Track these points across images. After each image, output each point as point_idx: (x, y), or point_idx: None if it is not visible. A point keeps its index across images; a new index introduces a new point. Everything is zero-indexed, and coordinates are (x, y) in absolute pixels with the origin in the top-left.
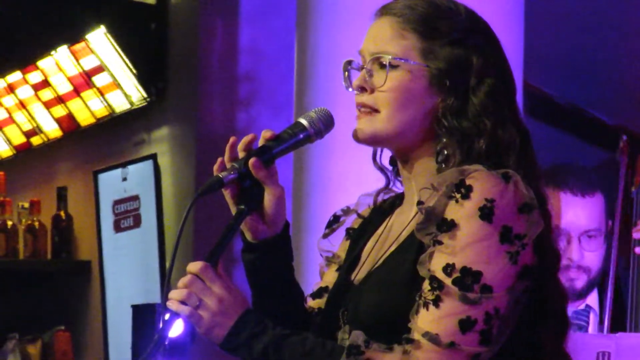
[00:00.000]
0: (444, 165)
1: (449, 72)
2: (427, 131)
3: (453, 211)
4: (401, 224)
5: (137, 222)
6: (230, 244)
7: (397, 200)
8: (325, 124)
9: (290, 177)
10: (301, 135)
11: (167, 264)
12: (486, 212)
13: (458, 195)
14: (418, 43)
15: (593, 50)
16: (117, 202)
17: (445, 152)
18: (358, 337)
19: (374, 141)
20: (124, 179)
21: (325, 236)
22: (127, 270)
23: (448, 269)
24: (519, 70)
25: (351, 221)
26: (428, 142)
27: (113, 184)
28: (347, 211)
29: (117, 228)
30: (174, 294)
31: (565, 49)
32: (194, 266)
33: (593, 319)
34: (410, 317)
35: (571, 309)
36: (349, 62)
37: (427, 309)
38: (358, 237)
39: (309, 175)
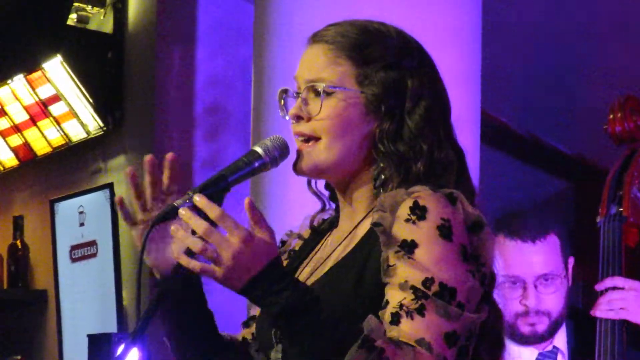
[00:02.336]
0: (382, 190)
1: (385, 97)
2: (365, 157)
3: (412, 232)
4: (336, 244)
5: (93, 252)
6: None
7: (335, 221)
8: (281, 152)
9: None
10: (256, 164)
11: (124, 293)
12: (445, 232)
13: (414, 217)
14: (352, 69)
15: (551, 80)
16: (74, 247)
17: (383, 177)
18: (371, 324)
19: (315, 173)
20: (81, 211)
21: None
22: (84, 299)
23: (427, 282)
24: (477, 99)
25: (294, 243)
26: (366, 168)
27: (69, 217)
28: (290, 234)
29: (74, 257)
30: (190, 244)
31: (523, 78)
32: (212, 212)
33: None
34: (386, 325)
35: (537, 350)
36: (285, 91)
37: (412, 318)
38: (296, 259)
39: (266, 204)
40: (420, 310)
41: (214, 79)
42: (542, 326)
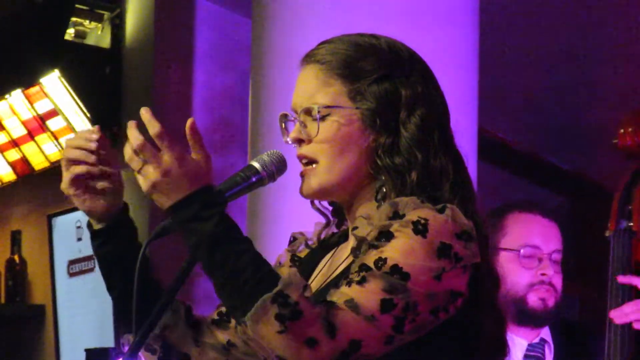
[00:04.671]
0: (382, 203)
1: (380, 110)
2: (367, 172)
3: (390, 227)
4: (344, 255)
5: (91, 267)
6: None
7: (343, 236)
8: (278, 167)
9: (245, 220)
10: (254, 179)
11: None
12: (420, 228)
13: (391, 220)
14: (344, 87)
15: (548, 96)
16: (72, 262)
17: (384, 190)
18: (290, 278)
19: (321, 194)
20: (78, 226)
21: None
22: (81, 314)
23: (379, 262)
24: (474, 115)
25: (300, 249)
26: (369, 183)
27: (67, 232)
28: (300, 237)
29: (71, 272)
30: (125, 153)
31: (521, 94)
32: (152, 128)
33: (548, 353)
34: (328, 296)
35: (526, 341)
36: (285, 116)
37: (350, 286)
38: (302, 270)
39: (263, 219)
40: (361, 282)
41: (212, 93)
42: (551, 302)
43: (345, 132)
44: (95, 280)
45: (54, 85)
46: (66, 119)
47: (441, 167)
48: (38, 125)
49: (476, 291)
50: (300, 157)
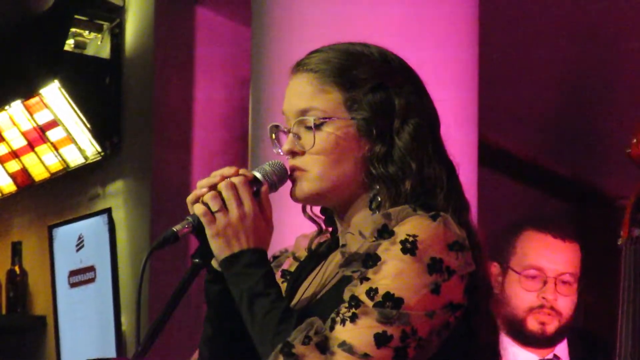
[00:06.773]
0: (377, 213)
1: (375, 119)
2: (362, 181)
3: (374, 249)
4: (335, 267)
5: (91, 277)
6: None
7: (333, 244)
8: (280, 176)
9: None
10: (255, 189)
11: (123, 319)
12: (408, 247)
13: (381, 241)
14: (340, 95)
15: (550, 103)
16: (72, 273)
17: (379, 199)
18: (297, 333)
19: (313, 199)
20: (79, 237)
21: None
22: (83, 325)
23: (371, 292)
24: (474, 124)
25: (288, 263)
26: (363, 191)
27: (68, 243)
28: (284, 253)
29: (72, 283)
30: (202, 191)
31: (522, 102)
32: (237, 178)
33: None
34: (324, 332)
35: (537, 356)
36: (276, 127)
37: (344, 325)
38: (294, 281)
39: None
40: (353, 318)
41: (212, 102)
42: (551, 327)
43: (340, 142)
44: (96, 291)
45: (54, 96)
46: (66, 130)
47: (435, 176)
48: (38, 136)
49: (471, 299)
50: (293, 168)
